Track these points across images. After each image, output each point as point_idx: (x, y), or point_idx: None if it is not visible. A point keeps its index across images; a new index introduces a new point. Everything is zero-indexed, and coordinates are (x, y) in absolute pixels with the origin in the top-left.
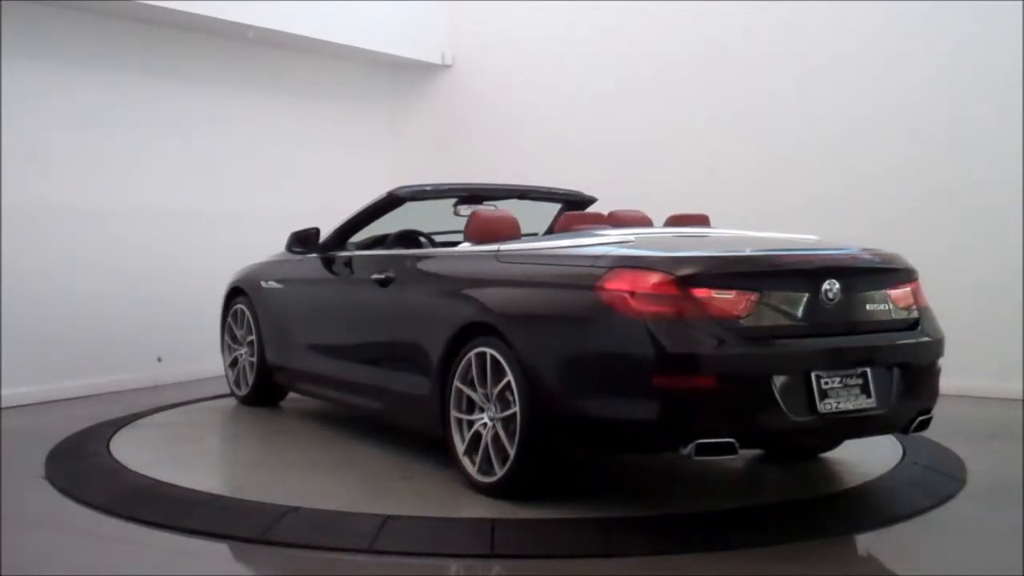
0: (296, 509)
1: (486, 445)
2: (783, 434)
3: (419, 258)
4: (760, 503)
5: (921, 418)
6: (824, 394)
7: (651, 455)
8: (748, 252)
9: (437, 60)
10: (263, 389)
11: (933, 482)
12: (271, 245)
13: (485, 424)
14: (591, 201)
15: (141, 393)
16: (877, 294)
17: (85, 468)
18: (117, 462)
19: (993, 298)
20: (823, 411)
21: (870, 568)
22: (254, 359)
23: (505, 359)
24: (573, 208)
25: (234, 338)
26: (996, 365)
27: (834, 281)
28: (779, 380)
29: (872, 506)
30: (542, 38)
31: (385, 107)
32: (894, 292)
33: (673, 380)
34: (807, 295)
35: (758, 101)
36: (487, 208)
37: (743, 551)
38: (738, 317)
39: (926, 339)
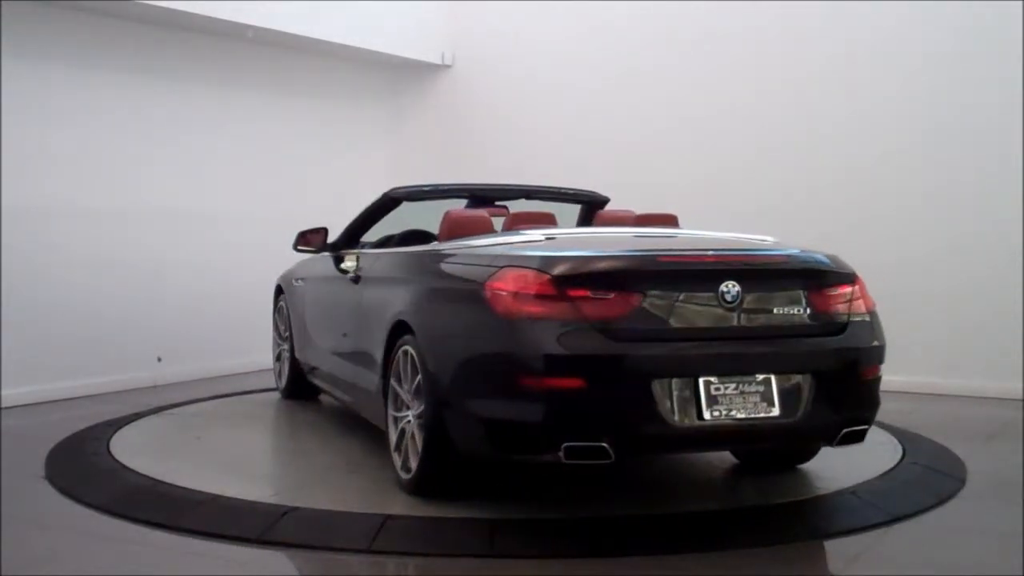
0: (296, 509)
1: (406, 443)
2: (664, 441)
3: (376, 257)
4: (761, 504)
5: (849, 430)
6: (713, 400)
7: (535, 457)
8: (634, 253)
9: (437, 60)
10: (297, 383)
11: (933, 482)
12: (271, 245)
13: (409, 421)
14: (604, 201)
15: (141, 393)
16: (791, 297)
17: (85, 468)
18: (117, 462)
19: (993, 298)
20: (710, 418)
21: (870, 568)
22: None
23: (417, 357)
24: (593, 209)
25: (280, 334)
26: (996, 365)
27: (734, 283)
28: (660, 384)
29: (872, 506)
30: (542, 38)
31: (385, 107)
32: (815, 295)
33: (542, 381)
34: (701, 297)
35: (759, 101)
36: (459, 209)
37: (741, 551)
38: (618, 318)
39: (850, 346)
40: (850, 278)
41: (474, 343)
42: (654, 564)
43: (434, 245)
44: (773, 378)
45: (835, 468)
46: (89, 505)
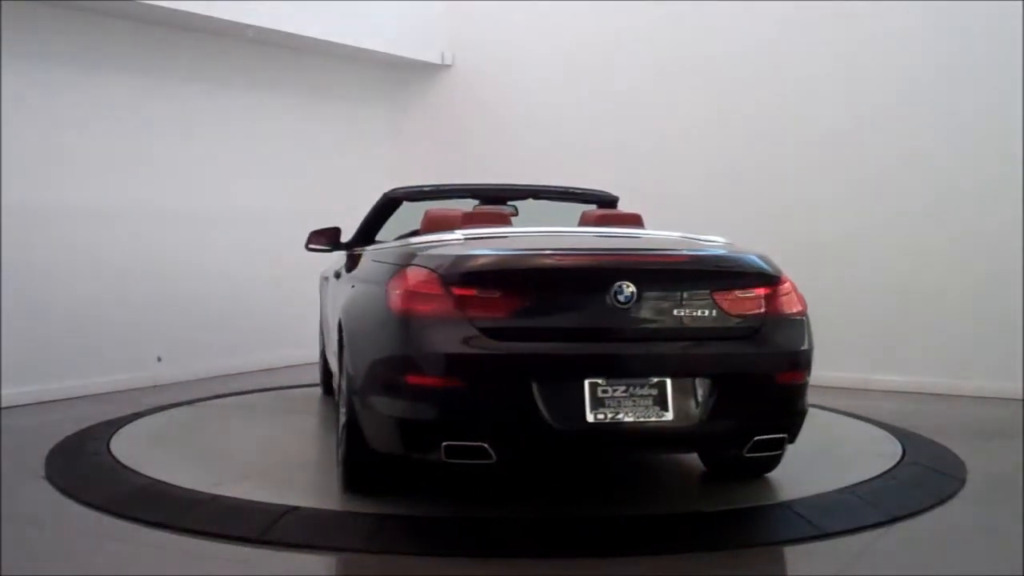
0: (296, 509)
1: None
2: (545, 443)
3: (350, 255)
4: (761, 504)
5: (761, 438)
6: (599, 403)
7: (428, 456)
8: (522, 252)
9: (437, 60)
10: (327, 379)
11: (933, 482)
12: (271, 244)
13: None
14: (614, 200)
15: (141, 393)
16: (694, 298)
17: (85, 468)
18: (117, 462)
19: (993, 298)
20: (594, 421)
21: (870, 568)
22: None
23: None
24: (602, 208)
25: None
26: (996, 365)
27: (627, 284)
28: (542, 385)
29: (872, 506)
30: (542, 38)
31: (385, 107)
32: (724, 297)
33: (424, 379)
34: (592, 297)
35: (758, 101)
36: (439, 207)
37: (741, 551)
38: (503, 318)
39: (760, 350)
40: (770, 279)
41: (375, 341)
42: (651, 563)
43: (380, 245)
44: (668, 381)
45: (834, 468)
46: (89, 505)
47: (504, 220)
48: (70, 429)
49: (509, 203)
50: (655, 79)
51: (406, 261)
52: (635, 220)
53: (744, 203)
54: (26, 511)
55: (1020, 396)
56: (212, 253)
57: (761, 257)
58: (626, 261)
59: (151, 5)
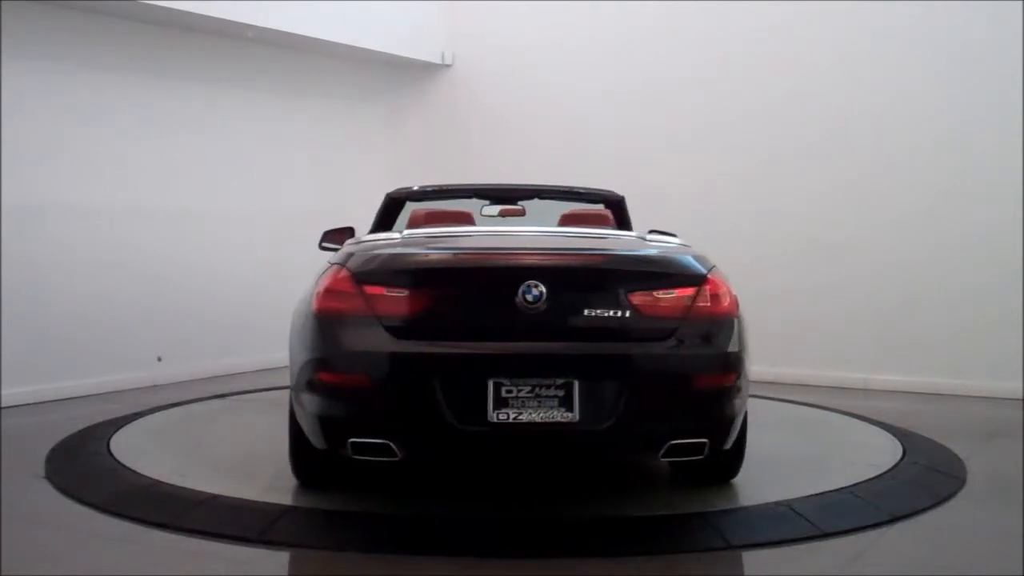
0: (295, 508)
1: None
2: (448, 442)
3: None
4: (760, 503)
5: (678, 443)
6: (502, 403)
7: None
8: (431, 251)
9: (437, 60)
10: None
11: (933, 482)
12: (271, 244)
13: None
14: (619, 200)
15: (141, 393)
16: (608, 299)
17: (85, 468)
18: (117, 462)
19: (993, 298)
20: (496, 421)
21: (870, 568)
22: None
23: None
24: (610, 207)
25: None
26: (996, 365)
27: (536, 283)
28: (445, 384)
29: (872, 506)
30: (542, 38)
31: (385, 107)
32: (640, 297)
33: (333, 377)
34: (501, 297)
35: (758, 102)
36: (423, 206)
37: (740, 551)
38: (409, 316)
39: (675, 352)
40: (693, 280)
41: (301, 338)
42: (653, 563)
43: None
44: (576, 383)
45: (834, 468)
46: (89, 505)
47: (467, 219)
48: (70, 429)
49: (519, 203)
50: (655, 79)
51: (334, 260)
52: (602, 219)
53: (744, 203)
54: (26, 511)
55: (1020, 396)
56: (212, 253)
57: (687, 258)
58: (535, 260)
59: (151, 5)
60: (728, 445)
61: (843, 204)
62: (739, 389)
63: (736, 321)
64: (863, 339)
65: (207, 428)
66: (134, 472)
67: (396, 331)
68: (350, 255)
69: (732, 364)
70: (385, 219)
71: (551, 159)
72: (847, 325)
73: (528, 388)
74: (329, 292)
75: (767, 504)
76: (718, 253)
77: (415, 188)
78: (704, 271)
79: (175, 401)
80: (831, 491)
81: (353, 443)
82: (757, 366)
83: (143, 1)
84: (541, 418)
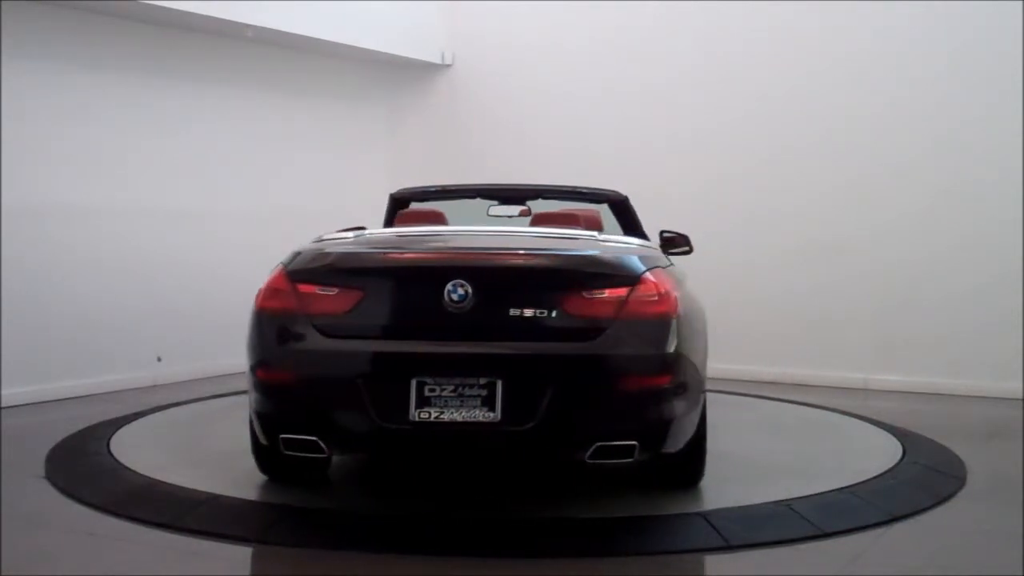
0: (296, 509)
1: None
2: (370, 439)
3: None
4: (759, 503)
5: (605, 445)
6: (425, 401)
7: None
8: (362, 250)
9: (436, 60)
10: None
11: (933, 482)
12: (271, 244)
13: None
14: (622, 199)
15: (141, 393)
16: (534, 299)
17: (85, 468)
18: (117, 462)
19: (993, 298)
20: (417, 419)
21: (870, 568)
22: None
23: None
24: (614, 207)
25: None
26: (996, 365)
27: (462, 282)
28: (369, 382)
29: (872, 506)
30: (542, 38)
31: (384, 107)
32: (568, 297)
33: (265, 374)
34: (426, 295)
35: (759, 101)
36: (417, 207)
37: (740, 551)
38: (337, 315)
39: (603, 353)
40: (627, 280)
41: (247, 336)
42: (654, 563)
43: None
44: (499, 382)
45: (834, 468)
46: (89, 505)
47: (438, 219)
48: (70, 429)
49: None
50: (655, 79)
51: (283, 259)
52: (574, 220)
53: (744, 203)
54: (26, 511)
55: (1020, 396)
56: (212, 253)
57: (623, 258)
58: (461, 260)
59: (151, 5)
60: (669, 449)
61: (843, 204)
62: (677, 391)
63: (674, 322)
64: (863, 339)
65: (207, 428)
66: (134, 472)
67: (325, 329)
68: (296, 254)
69: (667, 366)
70: (390, 220)
71: (551, 159)
72: (847, 325)
73: (451, 387)
74: (267, 290)
75: (767, 504)
76: (718, 253)
77: (418, 188)
78: (639, 272)
79: (175, 401)
80: (831, 491)
81: (283, 439)
82: (757, 366)
83: (143, 1)
84: (462, 417)
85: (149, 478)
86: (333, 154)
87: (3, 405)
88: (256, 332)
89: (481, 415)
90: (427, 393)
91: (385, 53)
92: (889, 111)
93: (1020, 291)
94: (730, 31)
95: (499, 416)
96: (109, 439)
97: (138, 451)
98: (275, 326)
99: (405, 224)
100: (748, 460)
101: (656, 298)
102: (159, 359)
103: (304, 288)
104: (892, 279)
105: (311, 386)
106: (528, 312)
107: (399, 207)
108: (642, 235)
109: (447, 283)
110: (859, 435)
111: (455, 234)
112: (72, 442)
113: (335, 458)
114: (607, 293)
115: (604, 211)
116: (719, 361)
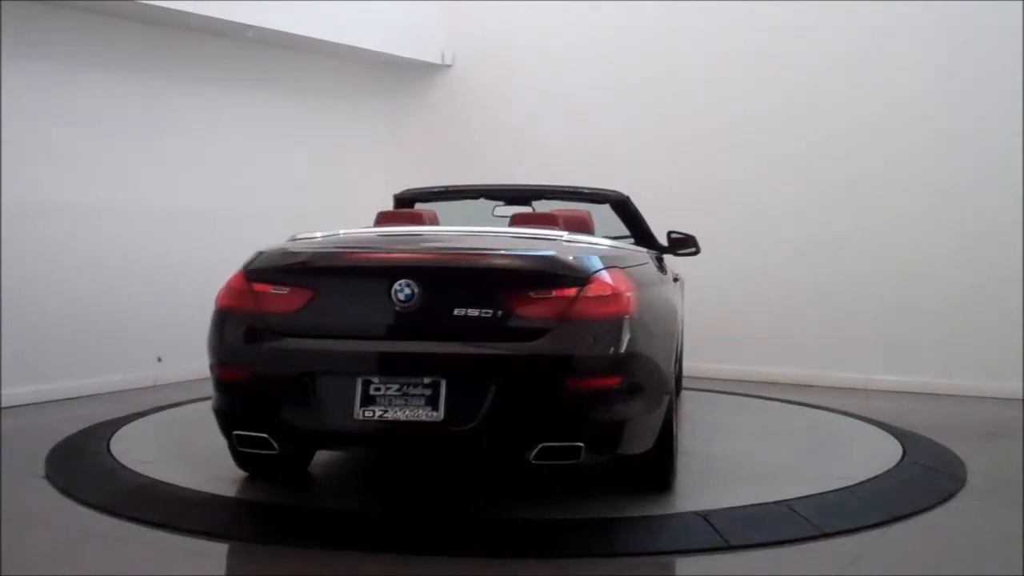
0: (296, 509)
1: None
2: (318, 437)
3: None
4: (760, 503)
5: (549, 445)
6: (370, 400)
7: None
8: (314, 249)
9: (437, 60)
10: None
11: (933, 482)
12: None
13: None
14: (623, 199)
15: (141, 393)
16: (479, 298)
17: (85, 468)
18: (117, 462)
19: (993, 298)
20: (361, 418)
21: (870, 568)
22: None
23: None
24: (617, 208)
25: None
26: (996, 365)
27: (409, 282)
28: (319, 380)
29: (872, 506)
30: (542, 38)
31: (384, 107)
32: (513, 297)
33: (221, 371)
34: (374, 295)
35: (758, 103)
36: (404, 210)
37: (741, 551)
38: (288, 313)
39: (547, 353)
40: (575, 281)
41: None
42: (656, 563)
43: None
44: (443, 382)
45: (834, 468)
46: (89, 505)
47: (418, 219)
48: (70, 429)
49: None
50: (655, 79)
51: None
52: (550, 220)
53: (744, 203)
54: (26, 511)
55: (1020, 396)
56: (212, 253)
57: (573, 258)
58: (408, 261)
59: (151, 5)
60: (628, 451)
61: (843, 204)
62: (630, 392)
63: (627, 322)
64: (863, 339)
65: (207, 428)
66: (134, 472)
67: (277, 328)
68: (257, 254)
69: (616, 366)
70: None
71: (551, 159)
72: (847, 325)
73: (396, 387)
74: (225, 290)
75: (767, 504)
76: (718, 253)
77: (422, 189)
78: (588, 272)
79: (175, 401)
80: (831, 491)
81: (237, 435)
82: (757, 366)
83: (143, 1)
84: (405, 417)
85: (149, 478)
86: (333, 154)
87: (3, 405)
88: (213, 330)
89: (424, 415)
90: (372, 392)
91: (385, 53)
92: (889, 111)
93: (1020, 291)
94: (730, 31)
95: (442, 416)
96: (109, 439)
97: (138, 451)
98: (231, 325)
99: (385, 225)
100: (748, 460)
101: (605, 298)
102: (159, 359)
103: (259, 287)
104: (892, 279)
105: (262, 384)
106: (473, 312)
107: (403, 207)
108: (646, 235)
109: (394, 283)
110: (859, 435)
111: (419, 235)
112: (72, 442)
113: (334, 457)
114: (554, 293)
115: (606, 211)
116: (719, 361)
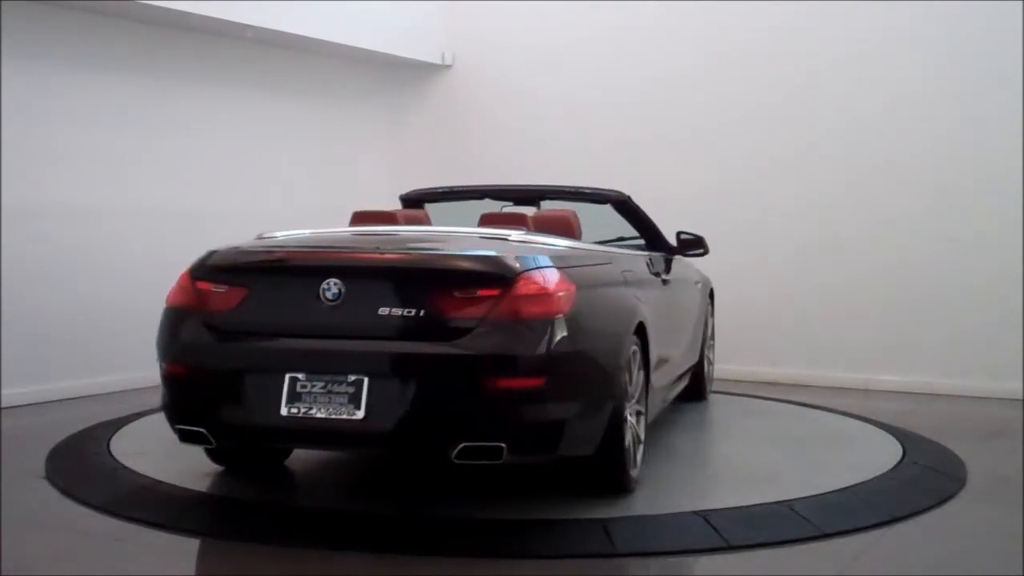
0: (296, 508)
1: None
2: (249, 432)
3: None
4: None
5: (470, 445)
6: (296, 397)
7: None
8: (249, 248)
9: (437, 60)
10: None
11: (933, 482)
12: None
13: None
14: (624, 198)
15: (141, 393)
16: (403, 297)
17: (85, 468)
18: (117, 462)
19: (993, 298)
20: (287, 415)
21: (870, 568)
22: None
23: None
24: (618, 207)
25: None
26: (996, 365)
27: (336, 281)
28: (251, 377)
29: (872, 506)
30: (542, 38)
31: (385, 107)
32: (437, 297)
33: (165, 367)
34: (304, 294)
35: (759, 101)
36: (378, 210)
37: (741, 552)
38: (224, 311)
39: (468, 353)
40: (502, 280)
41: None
42: (658, 563)
43: None
44: (366, 380)
45: (834, 468)
46: (89, 505)
47: (391, 219)
48: (70, 429)
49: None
50: (655, 78)
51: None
52: (519, 221)
53: (745, 203)
54: (26, 511)
55: (1020, 396)
56: None
57: (502, 258)
58: (336, 260)
59: (151, 5)
60: (565, 452)
61: (843, 204)
62: (559, 393)
63: (555, 323)
64: (863, 339)
65: None
66: (134, 472)
67: (214, 325)
68: (209, 253)
69: (541, 366)
70: None
71: (551, 159)
72: (847, 325)
73: (321, 384)
74: (174, 288)
75: (767, 504)
76: (718, 253)
77: (428, 190)
78: (515, 272)
79: None
80: (831, 491)
81: (179, 429)
82: (757, 366)
83: (143, 1)
84: (327, 414)
85: (149, 478)
86: (333, 154)
87: (3, 405)
88: (161, 327)
89: (346, 413)
90: (299, 389)
91: (385, 53)
92: (889, 111)
93: (1020, 291)
94: (730, 31)
95: (364, 414)
96: (109, 439)
97: (138, 451)
98: (175, 322)
99: (358, 225)
100: (748, 460)
101: (532, 298)
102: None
103: (201, 286)
104: (892, 279)
105: (199, 380)
106: (397, 311)
107: (410, 208)
108: (655, 235)
109: (322, 282)
110: (859, 435)
111: (370, 235)
112: (72, 442)
113: (334, 457)
114: (478, 293)
115: (607, 211)
116: (719, 361)
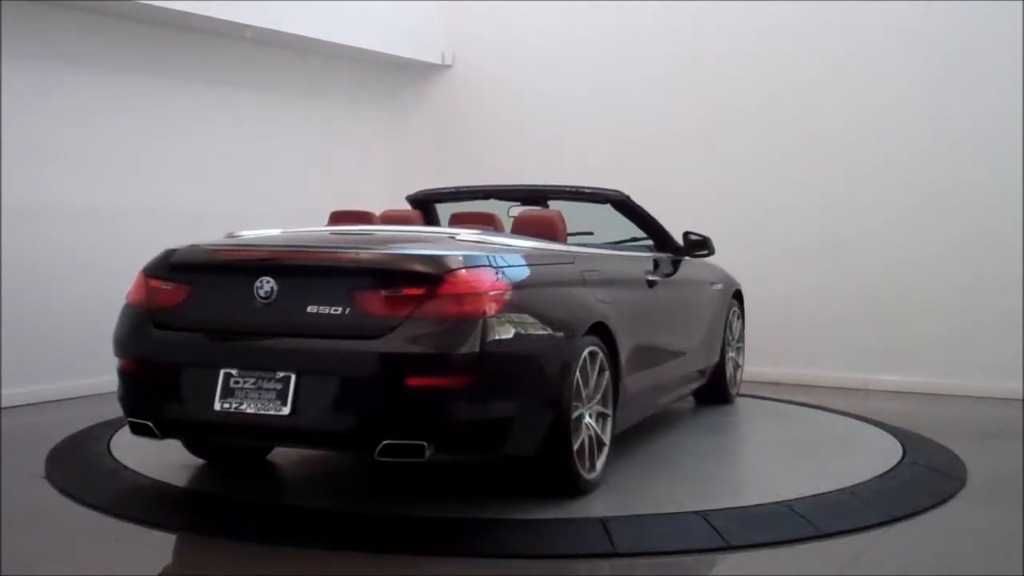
0: (296, 509)
1: None
2: (186, 426)
3: None
4: (760, 503)
5: (392, 443)
6: (229, 393)
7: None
8: (194, 247)
9: (437, 60)
10: None
11: (933, 482)
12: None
13: None
14: (623, 198)
15: None
16: (331, 295)
17: (85, 468)
18: (117, 462)
19: (992, 298)
20: (219, 409)
21: (870, 568)
22: None
23: None
24: (618, 207)
25: None
26: (996, 365)
27: (268, 279)
28: (189, 372)
29: (872, 506)
30: (542, 38)
31: (385, 107)
32: (364, 295)
33: (118, 362)
34: (240, 291)
35: (759, 101)
36: (354, 210)
37: (742, 552)
38: (169, 308)
39: (389, 351)
40: (428, 279)
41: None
42: (658, 563)
43: None
44: (293, 377)
45: (834, 468)
46: (89, 505)
47: (367, 219)
48: (70, 429)
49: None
50: (655, 78)
51: None
52: (487, 221)
53: (744, 203)
54: (26, 511)
55: (1020, 396)
56: None
57: (431, 256)
58: (268, 257)
59: (151, 5)
60: (486, 454)
61: (843, 204)
62: (485, 393)
63: (481, 322)
64: (863, 339)
65: None
66: (134, 472)
67: (159, 322)
68: (167, 251)
69: (465, 365)
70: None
71: (551, 159)
72: (847, 325)
73: (252, 380)
74: (134, 284)
75: (767, 504)
76: (718, 252)
77: (433, 190)
78: (442, 271)
79: None
80: (831, 491)
81: (129, 422)
82: (757, 366)
83: (143, 1)
84: (256, 410)
85: (149, 478)
86: (334, 154)
87: (3, 405)
88: (117, 323)
89: (274, 408)
90: (232, 385)
91: (385, 53)
92: (889, 111)
93: (1020, 291)
94: (730, 31)
95: (290, 410)
96: (109, 439)
97: (138, 451)
98: (128, 318)
99: (334, 224)
100: (747, 460)
101: (458, 297)
102: None
103: (152, 283)
104: (892, 279)
105: (145, 374)
106: (325, 309)
107: (416, 208)
108: (661, 235)
109: (256, 279)
110: (859, 435)
111: (338, 234)
112: (72, 442)
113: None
114: (404, 291)
115: (607, 210)
116: None
